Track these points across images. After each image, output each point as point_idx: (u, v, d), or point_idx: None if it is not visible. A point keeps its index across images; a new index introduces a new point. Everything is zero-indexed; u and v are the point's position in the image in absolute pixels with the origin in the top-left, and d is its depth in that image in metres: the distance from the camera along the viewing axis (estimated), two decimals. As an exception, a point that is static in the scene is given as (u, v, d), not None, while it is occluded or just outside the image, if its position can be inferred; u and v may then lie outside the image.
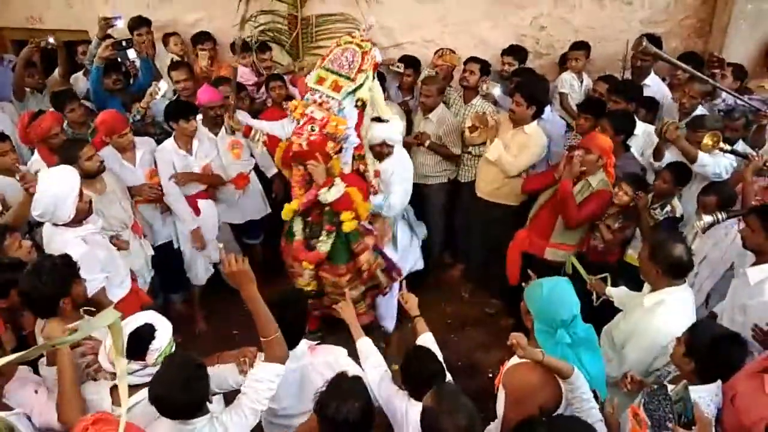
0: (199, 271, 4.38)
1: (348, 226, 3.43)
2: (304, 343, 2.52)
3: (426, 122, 4.49)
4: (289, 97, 4.43)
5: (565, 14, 4.96)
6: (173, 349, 2.24)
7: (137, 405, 2.15)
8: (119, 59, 4.64)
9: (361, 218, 3.50)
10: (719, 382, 2.19)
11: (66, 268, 2.49)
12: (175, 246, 4.30)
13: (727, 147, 3.52)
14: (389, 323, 4.10)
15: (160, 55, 5.27)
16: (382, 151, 3.70)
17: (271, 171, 4.57)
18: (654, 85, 4.50)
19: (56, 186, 2.91)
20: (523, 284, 2.68)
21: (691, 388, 2.09)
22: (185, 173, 4.04)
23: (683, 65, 4.00)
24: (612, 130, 3.72)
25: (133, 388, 2.14)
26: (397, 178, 3.74)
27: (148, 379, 2.10)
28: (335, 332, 3.55)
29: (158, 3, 5.62)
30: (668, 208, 3.59)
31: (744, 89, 4.25)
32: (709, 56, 4.43)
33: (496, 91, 4.36)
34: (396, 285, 3.77)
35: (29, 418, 2.25)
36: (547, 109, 4.27)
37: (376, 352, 2.70)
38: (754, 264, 2.82)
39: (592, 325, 2.42)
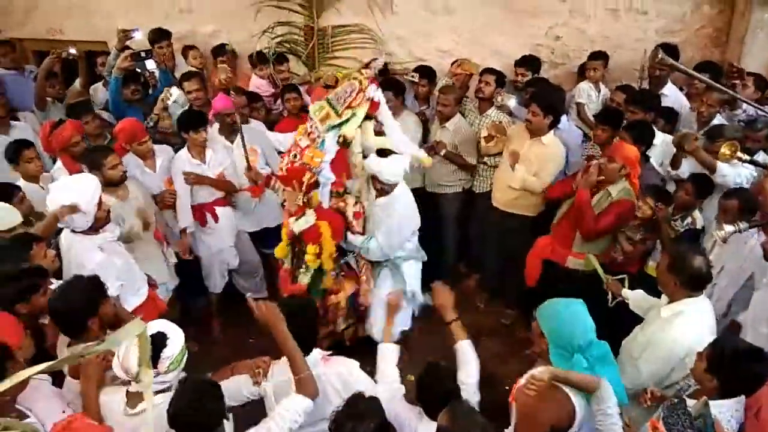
0: (217, 279, 4.42)
1: (308, 259, 3.37)
2: (317, 352, 2.51)
3: (443, 131, 4.49)
4: (304, 108, 4.45)
5: (580, 24, 4.95)
6: (185, 357, 2.26)
7: (146, 411, 2.15)
8: (138, 69, 4.70)
9: (325, 254, 3.39)
10: (741, 397, 2.15)
11: (95, 288, 2.55)
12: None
13: (746, 157, 3.45)
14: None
15: (179, 66, 5.33)
16: (375, 186, 3.54)
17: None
18: (671, 95, 4.46)
19: (76, 194, 2.95)
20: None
21: (711, 402, 2.05)
22: (198, 175, 4.07)
23: (701, 77, 3.93)
24: (631, 140, 3.67)
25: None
26: (385, 223, 3.51)
27: (159, 387, 2.12)
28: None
29: (177, 14, 5.73)
30: (689, 219, 3.54)
31: (765, 99, 4.19)
32: (728, 66, 4.38)
33: (512, 102, 4.36)
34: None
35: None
36: (564, 118, 4.25)
37: (393, 362, 2.68)
38: (777, 275, 2.77)
39: (606, 342, 2.38)
